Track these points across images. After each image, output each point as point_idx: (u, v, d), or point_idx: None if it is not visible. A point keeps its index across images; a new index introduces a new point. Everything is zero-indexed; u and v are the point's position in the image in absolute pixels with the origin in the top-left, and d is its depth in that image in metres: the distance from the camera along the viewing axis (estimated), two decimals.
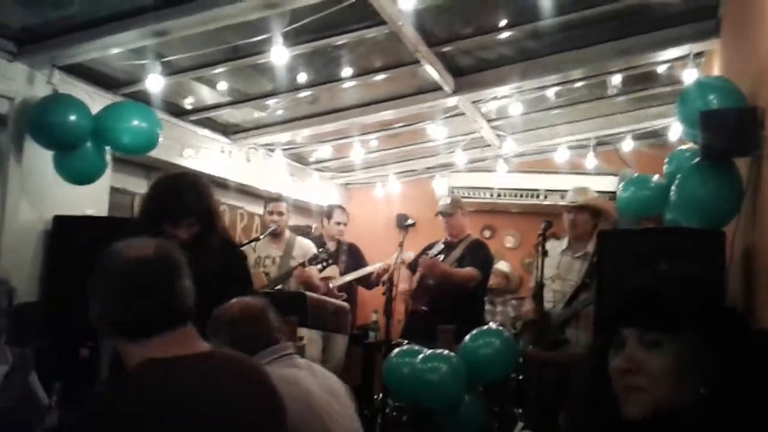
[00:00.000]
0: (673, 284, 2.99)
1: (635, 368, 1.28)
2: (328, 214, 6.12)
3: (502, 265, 6.47)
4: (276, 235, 5.23)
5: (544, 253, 4.39)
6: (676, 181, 3.19)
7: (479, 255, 5.14)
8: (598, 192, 6.53)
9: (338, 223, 5.99)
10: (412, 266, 5.41)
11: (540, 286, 4.29)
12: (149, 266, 1.54)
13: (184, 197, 2.79)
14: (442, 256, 5.11)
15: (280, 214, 5.23)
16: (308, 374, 2.29)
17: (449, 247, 5.17)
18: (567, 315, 4.39)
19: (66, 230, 4.03)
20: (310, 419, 2.10)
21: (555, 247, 4.70)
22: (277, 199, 5.31)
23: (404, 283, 5.32)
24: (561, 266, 4.50)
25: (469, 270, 5.02)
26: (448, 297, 4.93)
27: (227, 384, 1.53)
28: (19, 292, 3.81)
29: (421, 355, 3.69)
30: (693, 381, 1.27)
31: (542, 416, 3.97)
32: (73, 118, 3.79)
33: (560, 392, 4.12)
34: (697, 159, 3.04)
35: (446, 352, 3.72)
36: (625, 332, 1.32)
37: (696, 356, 1.27)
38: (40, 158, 3.92)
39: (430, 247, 5.36)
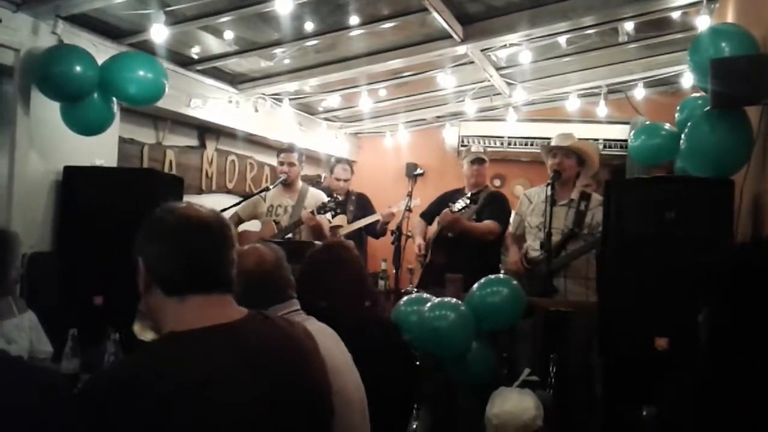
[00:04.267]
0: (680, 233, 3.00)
1: None
2: (331, 168, 6.14)
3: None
4: (288, 185, 5.24)
5: (552, 203, 4.38)
6: (686, 130, 3.16)
7: (498, 208, 5.11)
8: (608, 140, 6.55)
9: (338, 180, 5.99)
10: (426, 215, 5.41)
11: (548, 235, 4.30)
12: (205, 227, 1.55)
13: None
14: (464, 211, 5.04)
15: (291, 164, 5.22)
16: (315, 328, 2.29)
17: (473, 201, 5.10)
18: (557, 265, 4.40)
19: (76, 181, 4.06)
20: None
21: (538, 193, 4.68)
22: (288, 149, 5.29)
23: (419, 234, 5.32)
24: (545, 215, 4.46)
25: (488, 224, 5.01)
26: (466, 249, 4.94)
27: (243, 359, 1.49)
28: (32, 242, 3.89)
29: (428, 304, 3.72)
30: None
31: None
32: (78, 68, 3.77)
33: (560, 338, 4.17)
34: (707, 107, 3.00)
35: (454, 300, 3.74)
36: None
37: None
38: (47, 109, 3.92)
39: (449, 197, 5.29)
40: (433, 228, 5.25)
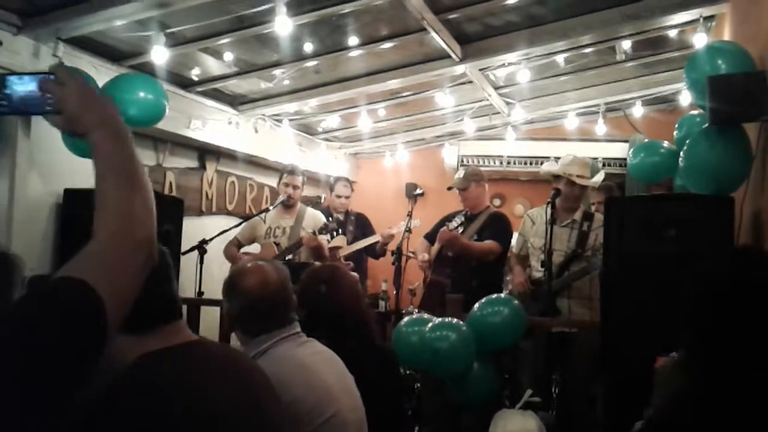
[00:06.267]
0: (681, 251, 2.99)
1: None
2: (331, 186, 6.14)
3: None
4: (288, 206, 5.24)
5: (553, 221, 4.37)
6: (685, 147, 3.17)
7: (499, 228, 5.08)
8: (607, 158, 6.55)
9: (339, 197, 5.99)
10: (429, 236, 5.40)
11: (549, 254, 4.28)
12: (164, 258, 1.54)
13: None
14: (461, 229, 5.07)
15: (295, 187, 5.19)
16: (313, 352, 2.28)
17: (469, 219, 5.12)
18: (559, 285, 4.38)
19: (77, 203, 4.05)
20: (308, 394, 2.11)
21: (541, 214, 4.65)
22: (292, 172, 5.26)
23: (422, 253, 5.31)
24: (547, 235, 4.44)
25: (488, 243, 4.97)
26: (467, 268, 4.93)
27: (217, 369, 1.55)
28: (31, 264, 3.87)
29: (429, 324, 3.70)
30: None
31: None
32: None
33: (562, 359, 4.16)
34: (706, 125, 3.01)
35: (455, 320, 3.72)
36: None
37: None
38: (48, 132, 3.92)
39: (449, 218, 5.30)
40: (436, 249, 5.24)
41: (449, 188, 5.28)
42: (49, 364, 1.02)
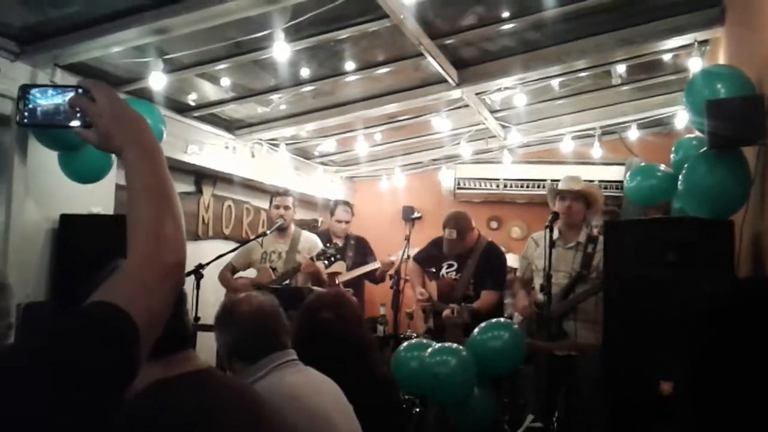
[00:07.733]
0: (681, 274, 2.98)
1: None
2: (331, 211, 6.14)
3: (510, 259, 6.43)
4: (282, 230, 5.23)
5: (552, 244, 4.36)
6: (684, 171, 3.17)
7: (495, 271, 5.05)
8: (604, 181, 6.56)
9: (339, 221, 5.99)
10: (420, 260, 5.37)
11: (548, 278, 4.26)
12: None
13: None
14: (454, 273, 5.06)
15: (287, 208, 5.21)
16: (308, 379, 2.26)
17: (461, 259, 5.09)
18: (565, 308, 4.36)
19: (73, 229, 4.04)
20: (304, 422, 2.08)
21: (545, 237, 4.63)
22: (283, 193, 5.29)
23: (418, 283, 5.26)
24: (552, 258, 4.42)
25: (490, 298, 4.92)
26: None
27: (227, 398, 1.55)
28: (27, 291, 3.84)
29: (429, 349, 3.68)
30: None
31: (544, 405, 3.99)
32: None
33: (564, 382, 4.13)
34: (704, 148, 3.01)
35: (455, 345, 3.70)
36: None
37: None
38: (45, 157, 3.92)
39: (436, 247, 5.25)
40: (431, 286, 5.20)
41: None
42: (84, 393, 0.98)
